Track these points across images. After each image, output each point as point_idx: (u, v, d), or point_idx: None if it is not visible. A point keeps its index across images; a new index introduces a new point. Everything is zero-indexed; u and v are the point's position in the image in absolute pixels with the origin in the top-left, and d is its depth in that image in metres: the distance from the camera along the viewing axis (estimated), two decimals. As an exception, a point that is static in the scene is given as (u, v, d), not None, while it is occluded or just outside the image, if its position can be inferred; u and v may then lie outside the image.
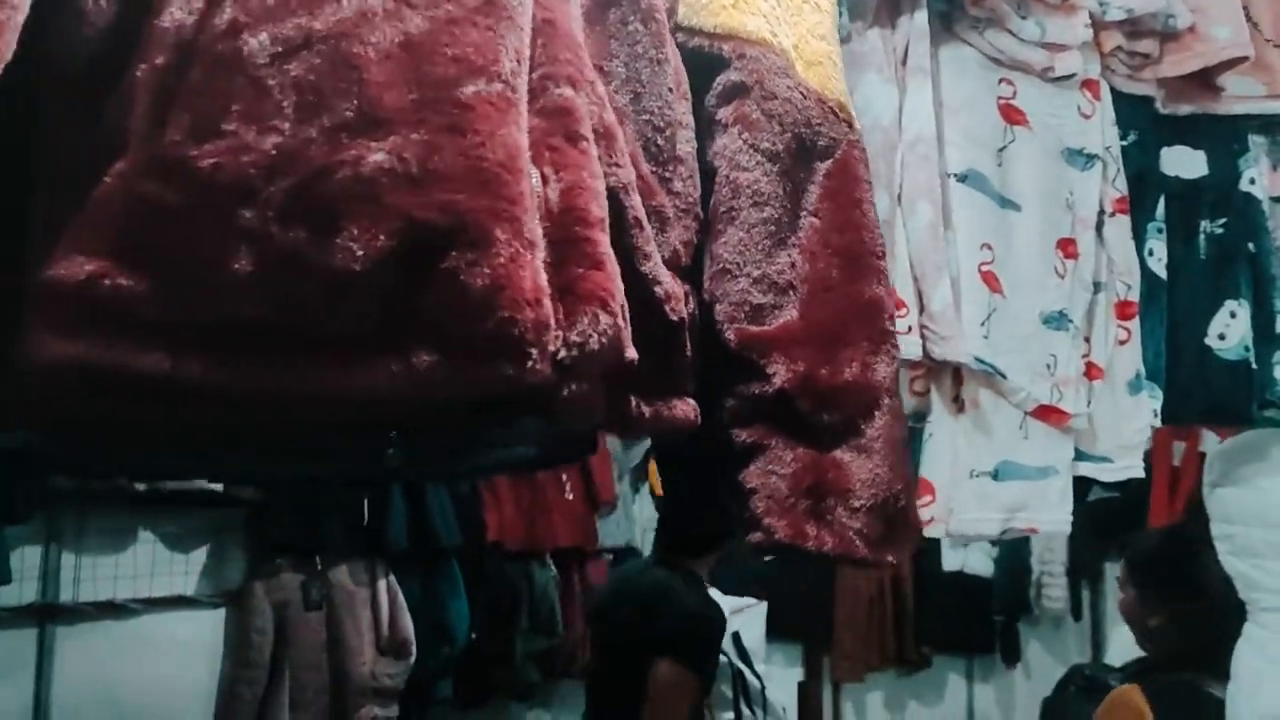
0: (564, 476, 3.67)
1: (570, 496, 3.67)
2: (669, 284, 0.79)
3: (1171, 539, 2.09)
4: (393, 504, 3.30)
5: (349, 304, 0.62)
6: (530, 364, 0.61)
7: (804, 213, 0.93)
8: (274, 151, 0.62)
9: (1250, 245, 1.60)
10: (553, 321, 0.63)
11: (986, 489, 1.32)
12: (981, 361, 1.30)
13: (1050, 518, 1.38)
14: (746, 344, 0.88)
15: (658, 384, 0.80)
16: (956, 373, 1.32)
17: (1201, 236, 1.58)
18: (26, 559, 2.92)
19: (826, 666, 4.16)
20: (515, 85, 0.66)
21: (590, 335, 0.65)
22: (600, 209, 0.68)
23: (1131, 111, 1.54)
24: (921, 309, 1.26)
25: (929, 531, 1.30)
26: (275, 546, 3.21)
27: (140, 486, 2.88)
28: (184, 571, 3.19)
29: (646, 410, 0.78)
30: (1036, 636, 4.91)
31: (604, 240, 0.68)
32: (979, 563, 4.65)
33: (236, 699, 3.07)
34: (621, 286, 0.69)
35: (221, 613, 3.22)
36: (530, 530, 3.55)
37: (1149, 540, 2.11)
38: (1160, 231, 1.54)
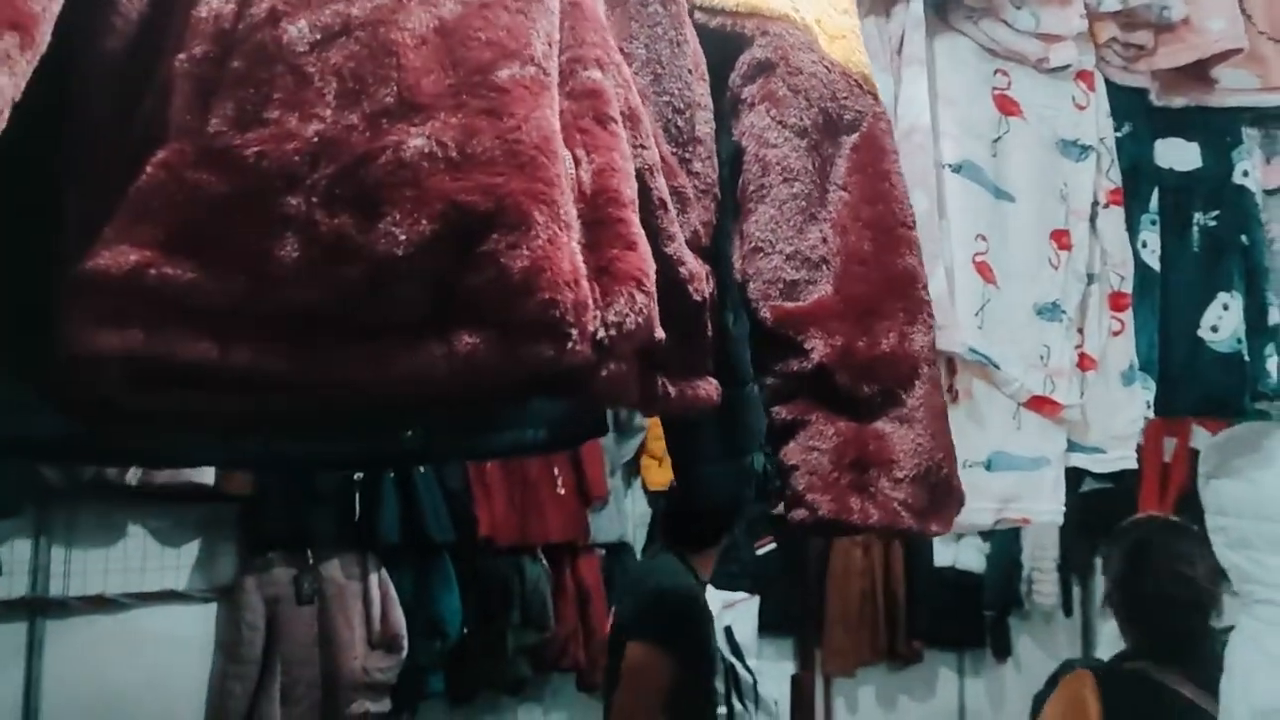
0: (555, 471, 3.66)
1: (562, 492, 3.67)
2: (692, 264, 0.79)
3: (1138, 530, 2.11)
4: (384, 499, 3.30)
5: (392, 288, 0.62)
6: (570, 344, 0.62)
7: (833, 187, 0.93)
8: (316, 139, 0.62)
9: (1243, 237, 1.60)
10: (591, 302, 0.64)
11: (979, 480, 1.32)
12: (975, 351, 1.30)
13: (1043, 508, 1.38)
14: (782, 321, 0.88)
15: (683, 363, 0.80)
16: (950, 363, 1.32)
17: (1195, 229, 1.59)
18: (16, 553, 2.91)
19: (818, 660, 4.17)
20: (547, 68, 0.67)
21: (627, 315, 0.66)
22: (631, 190, 0.69)
23: (1126, 103, 1.54)
24: (916, 299, 1.26)
25: (922, 523, 1.29)
26: (267, 541, 3.20)
27: (131, 481, 2.86)
28: (175, 566, 3.18)
29: (673, 390, 0.79)
30: (1027, 631, 4.93)
31: (635, 221, 0.69)
32: (970, 558, 4.67)
33: (228, 693, 3.06)
34: (653, 267, 0.70)
35: (212, 607, 3.21)
36: (522, 525, 3.54)
37: (1122, 531, 2.13)
38: (1154, 223, 1.54)
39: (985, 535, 4.70)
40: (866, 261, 0.90)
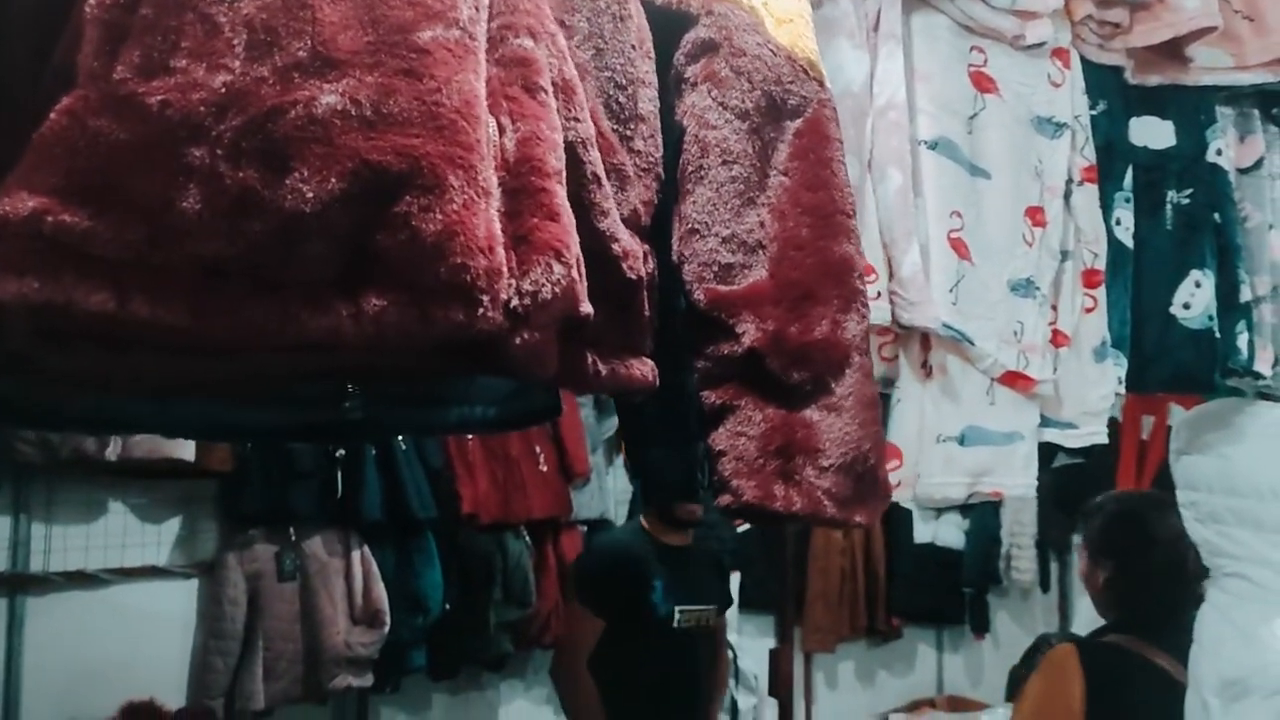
0: (538, 449, 3.67)
1: (544, 469, 3.68)
2: (626, 241, 0.78)
3: (1119, 505, 2.13)
4: (366, 476, 3.30)
5: (300, 246, 0.61)
6: (481, 310, 0.61)
7: (774, 171, 0.92)
8: (223, 90, 0.61)
9: (1216, 216, 1.62)
10: (505, 269, 0.63)
11: (953, 454, 1.34)
12: (949, 328, 1.31)
13: (1015, 482, 1.40)
14: (715, 303, 0.87)
15: (615, 342, 0.79)
16: (925, 339, 1.33)
17: (1168, 206, 1.60)
18: (-5, 529, 2.90)
19: (799, 637, 4.21)
20: (473, 32, 0.65)
21: (543, 285, 0.65)
22: (557, 160, 0.68)
23: (1101, 81, 1.55)
24: (891, 275, 1.27)
25: (896, 496, 1.31)
26: (248, 518, 3.20)
27: (111, 457, 2.85)
28: (156, 542, 3.18)
29: (603, 368, 0.78)
30: (1005, 608, 4.98)
31: (560, 191, 0.68)
32: (950, 535, 4.71)
33: (210, 668, 3.07)
34: (576, 239, 0.69)
35: (194, 583, 3.22)
36: (504, 502, 3.55)
37: (1099, 505, 2.15)
38: (1128, 201, 1.55)
39: (964, 512, 4.74)
40: (803, 247, 0.90)
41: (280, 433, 0.95)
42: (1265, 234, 1.72)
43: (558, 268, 0.65)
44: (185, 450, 2.93)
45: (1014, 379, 1.38)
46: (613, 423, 3.90)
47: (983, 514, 4.76)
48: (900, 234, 1.25)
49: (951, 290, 1.32)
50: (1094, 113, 1.53)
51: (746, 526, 4.21)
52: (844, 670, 4.66)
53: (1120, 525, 2.04)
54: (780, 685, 2.41)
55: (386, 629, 3.25)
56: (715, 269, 0.88)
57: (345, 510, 3.26)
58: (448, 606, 3.42)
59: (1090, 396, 1.47)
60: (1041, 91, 1.44)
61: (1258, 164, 1.72)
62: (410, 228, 0.59)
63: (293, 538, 3.24)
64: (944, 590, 4.69)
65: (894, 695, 4.66)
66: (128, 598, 3.09)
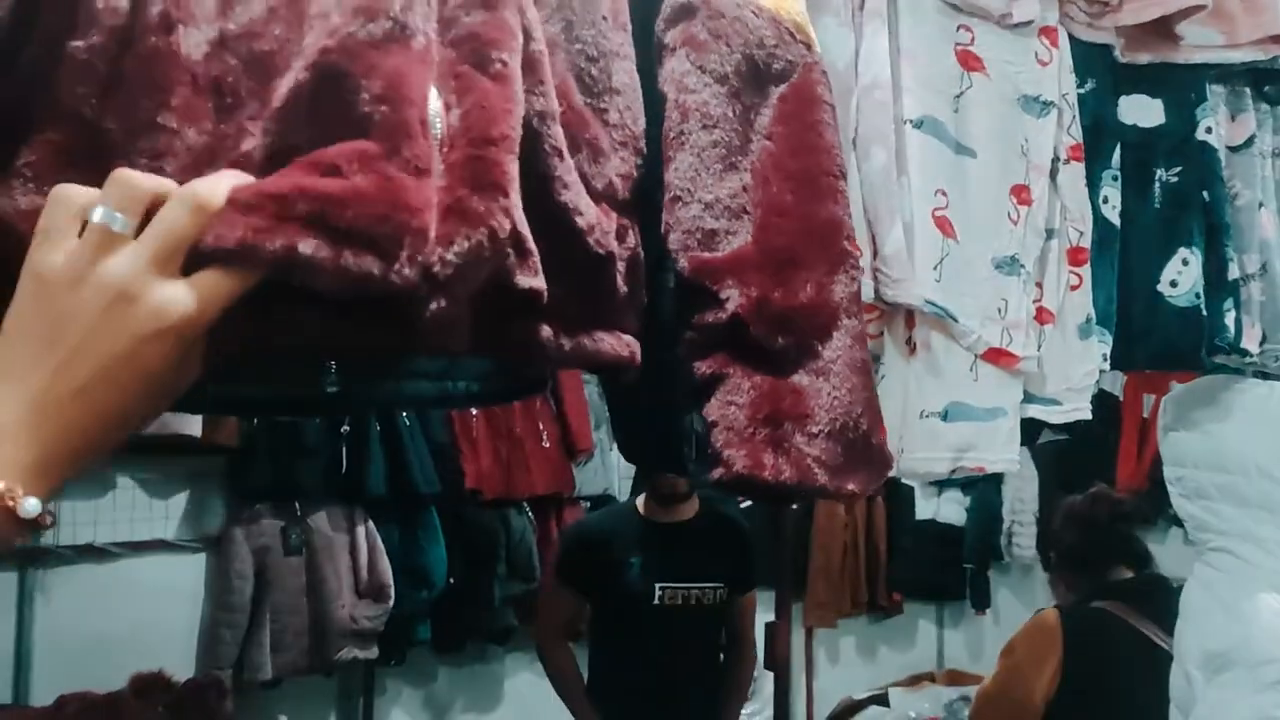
0: (541, 426, 3.71)
1: (547, 445, 3.71)
2: (590, 215, 0.77)
3: (1077, 508, 2.24)
4: (371, 452, 3.34)
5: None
6: (397, 266, 0.61)
7: (757, 136, 0.90)
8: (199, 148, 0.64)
9: (1204, 194, 1.62)
10: (430, 233, 0.62)
11: (936, 429, 1.35)
12: (933, 305, 1.32)
13: (997, 457, 1.41)
14: (699, 271, 0.86)
15: (582, 316, 0.78)
16: (909, 315, 1.35)
17: (1156, 184, 1.61)
18: (5, 503, 2.94)
19: (799, 613, 4.25)
20: (405, 22, 0.66)
21: (470, 255, 0.64)
22: (503, 131, 0.66)
23: (1090, 59, 1.55)
24: (874, 253, 1.28)
25: (879, 470, 1.33)
26: (254, 493, 3.24)
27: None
28: (164, 517, 3.23)
29: (566, 342, 0.76)
30: (1006, 584, 5.01)
31: (506, 162, 0.67)
32: (951, 512, 4.74)
33: (218, 640, 3.13)
34: (519, 212, 0.69)
35: (201, 557, 3.27)
36: (507, 478, 3.59)
37: (1063, 511, 2.28)
38: (1116, 179, 1.55)
39: (966, 489, 4.76)
40: (787, 213, 0.88)
41: (267, 406, 0.96)
42: (1255, 212, 1.72)
43: (487, 243, 0.65)
44: (193, 426, 2.97)
45: (997, 355, 1.39)
46: (614, 400, 3.93)
47: (984, 491, 4.79)
48: (884, 212, 1.26)
49: (935, 268, 1.33)
50: (1082, 91, 1.53)
51: (749, 502, 4.25)
52: (845, 645, 4.71)
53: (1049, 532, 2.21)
54: (777, 659, 2.44)
55: (391, 602, 3.31)
56: (699, 236, 0.86)
57: (350, 486, 3.30)
58: (451, 581, 3.46)
59: (1074, 373, 1.48)
60: (1029, 70, 1.44)
61: (1248, 142, 1.73)
62: (343, 182, 0.59)
63: (298, 513, 3.29)
64: (945, 566, 4.73)
65: (895, 670, 4.70)
66: (136, 571, 3.14)
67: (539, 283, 0.70)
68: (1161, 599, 2.07)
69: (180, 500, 3.26)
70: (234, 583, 3.17)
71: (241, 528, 3.22)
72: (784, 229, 0.87)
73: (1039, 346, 1.44)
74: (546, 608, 2.90)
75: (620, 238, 0.81)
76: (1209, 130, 1.64)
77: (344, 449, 3.33)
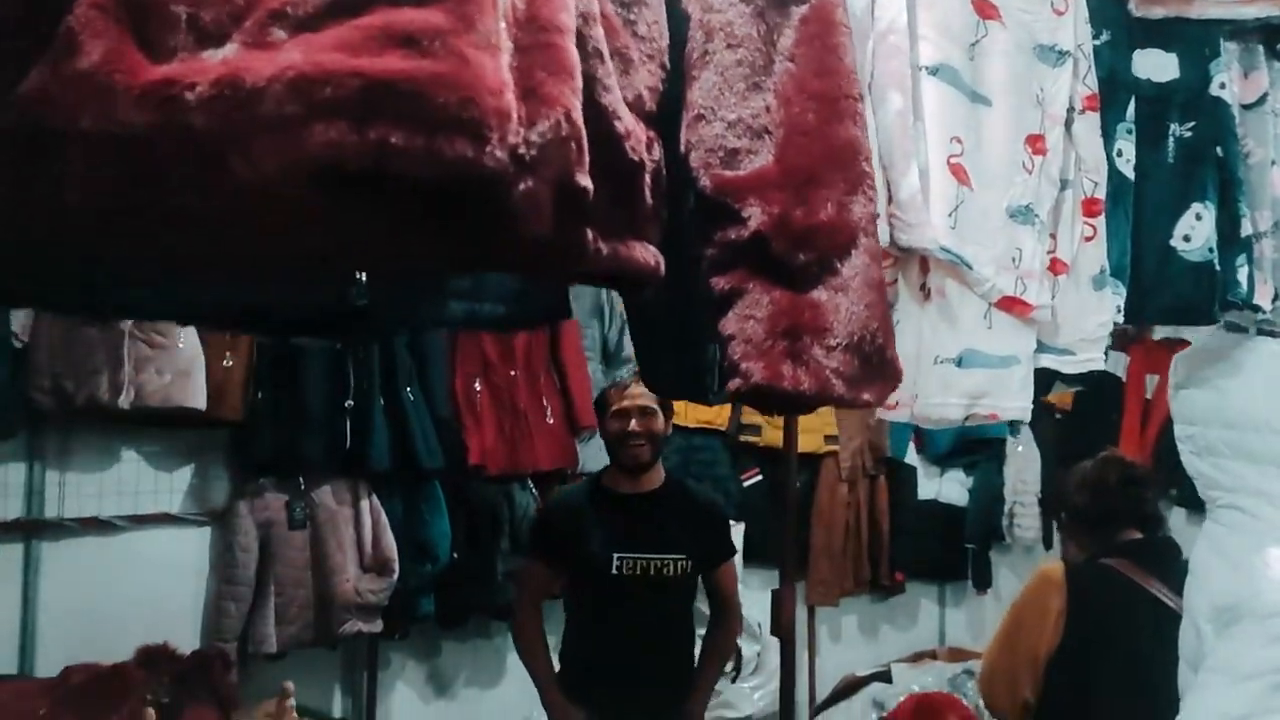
0: (545, 401, 3.70)
1: (551, 421, 3.71)
2: (628, 121, 0.78)
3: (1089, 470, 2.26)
4: (374, 427, 3.34)
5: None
6: (489, 148, 0.61)
7: (780, 57, 0.92)
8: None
9: (1218, 149, 1.63)
10: (515, 115, 0.63)
11: (950, 376, 1.36)
12: (947, 251, 1.32)
13: (1011, 405, 1.42)
14: (721, 189, 0.88)
15: (617, 222, 0.79)
16: (923, 262, 1.35)
17: (1170, 139, 1.61)
18: (11, 475, 2.94)
19: (803, 591, 4.25)
20: None
21: (550, 136, 0.65)
22: (568, 19, 0.68)
23: (1105, 11, 1.55)
24: (889, 198, 1.28)
25: (894, 416, 1.33)
26: (259, 467, 3.24)
27: (124, 405, 2.88)
28: (169, 490, 3.23)
29: (604, 246, 0.78)
30: (1007, 564, 5.02)
31: (571, 49, 0.68)
32: (953, 492, 4.75)
33: (224, 612, 3.13)
34: (581, 97, 0.69)
35: (206, 531, 3.26)
36: (511, 454, 3.59)
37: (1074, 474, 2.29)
38: (1130, 133, 1.56)
39: (968, 470, 4.78)
40: (809, 133, 0.90)
41: (288, 320, 0.96)
42: (1267, 170, 1.72)
43: (564, 124, 0.66)
44: (197, 400, 2.97)
45: (1011, 304, 1.39)
46: (620, 376, 3.92)
47: (986, 472, 4.79)
48: (899, 157, 1.26)
49: (950, 215, 1.33)
50: (1097, 43, 1.53)
51: (754, 480, 4.25)
52: (847, 624, 4.72)
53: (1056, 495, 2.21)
54: (783, 625, 2.45)
55: (395, 576, 3.31)
56: (721, 154, 0.89)
57: (354, 460, 3.30)
58: (455, 555, 3.46)
59: (1088, 324, 1.49)
60: (1044, 19, 1.44)
61: (1261, 99, 1.73)
62: (423, 63, 0.59)
63: (302, 487, 3.29)
64: (947, 546, 4.74)
65: (896, 648, 4.71)
66: (141, 544, 3.14)
67: (589, 182, 0.71)
68: (1170, 559, 2.08)
69: (185, 474, 3.26)
70: (238, 556, 3.18)
71: (246, 501, 3.22)
72: (807, 149, 0.89)
73: (1053, 296, 1.45)
74: (521, 579, 2.96)
75: (649, 149, 0.82)
76: (1222, 86, 1.64)
77: (348, 423, 3.32)
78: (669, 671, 2.71)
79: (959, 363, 1.36)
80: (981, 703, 3.50)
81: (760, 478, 4.23)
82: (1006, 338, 1.40)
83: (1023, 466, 4.92)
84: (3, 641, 2.88)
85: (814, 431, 4.25)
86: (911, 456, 4.65)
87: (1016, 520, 4.87)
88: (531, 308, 0.97)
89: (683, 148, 0.90)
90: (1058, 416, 5.15)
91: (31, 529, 2.96)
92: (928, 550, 4.67)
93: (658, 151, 0.85)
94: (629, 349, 3.92)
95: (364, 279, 0.84)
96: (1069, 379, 1.53)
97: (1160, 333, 3.87)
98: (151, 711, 2.35)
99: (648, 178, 0.82)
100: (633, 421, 2.64)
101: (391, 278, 0.87)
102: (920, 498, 4.68)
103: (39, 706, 2.66)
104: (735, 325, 0.88)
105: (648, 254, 0.83)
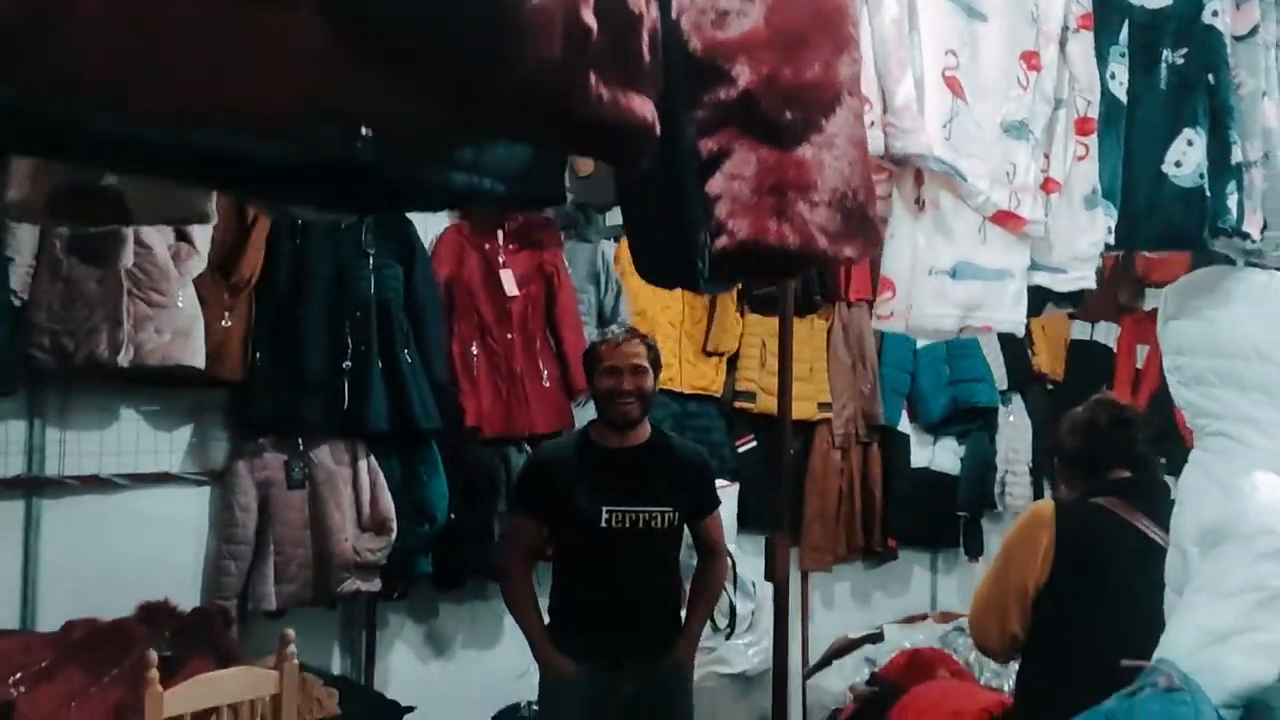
0: (541, 365, 3.72)
1: (547, 384, 3.73)
2: None
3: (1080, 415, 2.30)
4: (372, 388, 3.35)
5: None
6: None
7: None
8: None
9: (1210, 77, 1.65)
10: None
11: (944, 286, 1.38)
12: (941, 162, 1.35)
13: (1004, 317, 1.44)
14: (711, 50, 0.90)
15: (617, 71, 0.80)
16: (918, 174, 1.37)
17: (1163, 65, 1.63)
18: (11, 433, 2.95)
19: (796, 557, 4.29)
20: None
21: None
22: None
23: (1098, -67, 1.57)
24: (884, 107, 1.30)
25: (889, 326, 1.36)
26: (257, 426, 3.26)
27: (123, 363, 2.89)
28: (168, 449, 3.24)
29: (605, 93, 0.79)
30: (999, 532, 5.04)
31: None
32: (946, 460, 4.79)
33: (223, 571, 3.16)
34: None
35: (205, 490, 3.28)
36: (507, 416, 3.61)
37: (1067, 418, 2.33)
38: (1123, 56, 1.58)
39: (960, 438, 4.81)
40: None
41: (290, 176, 0.95)
42: (1258, 101, 1.75)
43: None
44: (196, 358, 2.98)
45: (1005, 218, 1.42)
46: (612, 331, 3.94)
47: (978, 440, 4.83)
48: (894, 64, 1.28)
49: (945, 126, 1.36)
50: (1090, -35, 1.55)
51: (748, 446, 4.28)
52: (840, 590, 4.75)
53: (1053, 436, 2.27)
54: (776, 572, 2.48)
55: (393, 536, 3.33)
56: (713, 15, 0.91)
57: (352, 420, 3.32)
58: (453, 516, 3.49)
59: (1080, 243, 1.51)
60: (1038, -62, 1.46)
61: (1252, 31, 1.75)
62: None
63: (301, 447, 3.30)
64: (939, 514, 4.77)
65: (889, 614, 4.74)
66: (141, 502, 3.15)
67: (594, 21, 0.72)
68: (1158, 497, 2.11)
69: (184, 433, 3.27)
70: (238, 515, 3.19)
71: (245, 461, 3.24)
72: (795, 10, 0.91)
73: (1046, 214, 1.47)
74: (510, 534, 2.99)
75: (647, 4, 0.84)
76: (1215, 14, 1.66)
77: (345, 384, 3.34)
78: (657, 621, 2.76)
79: (953, 274, 1.38)
80: (971, 657, 3.56)
81: (755, 444, 4.25)
82: (1000, 251, 1.42)
83: (1014, 435, 4.96)
84: (4, 597, 2.89)
85: (808, 399, 4.28)
86: (904, 424, 4.68)
87: (1008, 489, 4.92)
88: (531, 189, 0.99)
89: (674, 12, 0.92)
90: (1049, 387, 5.20)
91: (32, 486, 2.97)
92: (920, 517, 4.71)
93: (655, 9, 0.87)
94: (624, 314, 3.95)
95: (369, 134, 0.85)
96: (1060, 298, 1.56)
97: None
98: (154, 658, 2.37)
99: (645, 34, 0.84)
100: (625, 379, 2.67)
101: (395, 134, 0.88)
102: (913, 465, 4.71)
103: (42, 658, 2.68)
104: (722, 185, 0.90)
105: (645, 109, 0.84)
